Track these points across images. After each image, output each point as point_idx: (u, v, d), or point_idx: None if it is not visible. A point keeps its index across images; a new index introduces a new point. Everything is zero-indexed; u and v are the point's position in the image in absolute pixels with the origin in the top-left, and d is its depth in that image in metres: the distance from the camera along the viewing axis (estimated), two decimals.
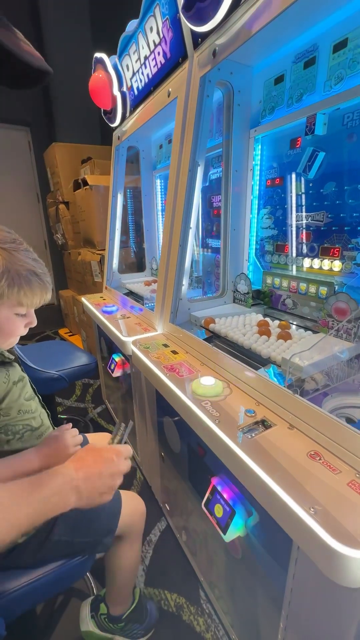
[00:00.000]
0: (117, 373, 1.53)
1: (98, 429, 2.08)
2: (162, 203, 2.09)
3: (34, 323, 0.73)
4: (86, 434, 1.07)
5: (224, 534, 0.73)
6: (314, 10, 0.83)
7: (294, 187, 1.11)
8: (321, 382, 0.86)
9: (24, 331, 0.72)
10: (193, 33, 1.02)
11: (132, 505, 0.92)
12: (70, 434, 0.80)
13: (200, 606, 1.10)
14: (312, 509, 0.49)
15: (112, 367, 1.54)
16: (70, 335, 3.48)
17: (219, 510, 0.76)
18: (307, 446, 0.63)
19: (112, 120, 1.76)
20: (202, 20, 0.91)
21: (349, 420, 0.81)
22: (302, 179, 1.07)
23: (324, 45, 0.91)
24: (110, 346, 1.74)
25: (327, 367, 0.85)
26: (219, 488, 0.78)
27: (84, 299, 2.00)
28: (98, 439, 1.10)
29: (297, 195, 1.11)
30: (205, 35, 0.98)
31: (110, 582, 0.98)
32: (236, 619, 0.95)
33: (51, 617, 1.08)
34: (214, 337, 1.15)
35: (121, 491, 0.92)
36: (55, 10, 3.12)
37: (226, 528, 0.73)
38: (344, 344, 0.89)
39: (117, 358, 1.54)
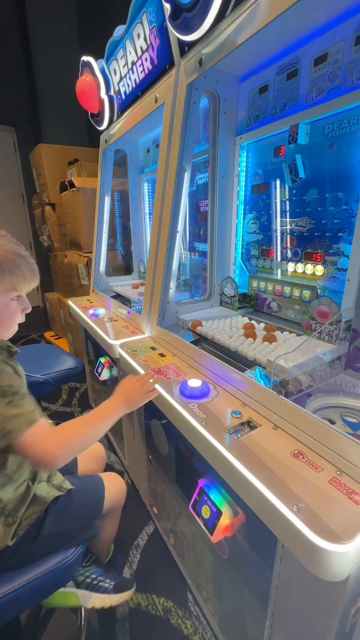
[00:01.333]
0: (104, 376, 1.52)
1: None
2: (149, 206, 2.10)
3: (29, 308, 0.76)
4: None
5: (211, 534, 0.74)
6: (296, 25, 0.86)
7: (279, 193, 1.15)
8: (305, 383, 0.88)
9: (21, 318, 0.75)
10: (180, 41, 1.04)
11: (114, 487, 0.97)
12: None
13: (188, 609, 1.10)
14: (295, 507, 0.51)
15: (99, 370, 1.53)
16: (56, 339, 3.43)
17: (206, 511, 0.77)
18: (291, 446, 0.65)
19: (100, 123, 1.76)
20: (189, 30, 0.93)
21: (332, 421, 0.84)
22: (286, 185, 1.11)
23: (306, 58, 0.95)
24: (97, 349, 1.73)
25: (310, 368, 0.88)
26: (206, 489, 0.79)
27: (70, 302, 1.98)
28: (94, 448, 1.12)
29: (281, 201, 1.14)
30: (191, 44, 1.00)
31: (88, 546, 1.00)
32: (224, 620, 0.95)
33: (37, 625, 1.06)
34: (201, 340, 1.16)
35: (102, 474, 0.99)
36: (41, 12, 3.10)
37: (213, 529, 0.74)
38: (326, 346, 0.91)
39: (103, 361, 1.53)
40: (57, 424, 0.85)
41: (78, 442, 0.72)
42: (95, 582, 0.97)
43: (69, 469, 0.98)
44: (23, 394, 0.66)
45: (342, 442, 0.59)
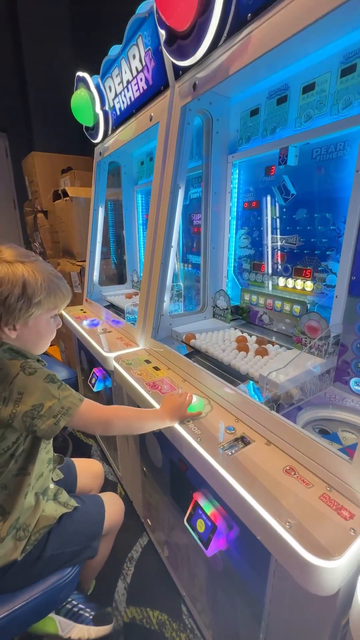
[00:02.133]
0: (98, 388, 1.52)
1: (78, 443, 2.04)
2: (143, 217, 2.13)
3: (61, 324, 0.84)
4: (74, 459, 1.10)
5: (206, 548, 0.75)
6: (286, 55, 0.90)
7: (269, 211, 1.19)
8: (296, 397, 0.91)
9: (55, 333, 0.82)
10: (174, 65, 1.07)
11: (113, 508, 0.98)
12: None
13: (182, 622, 1.11)
14: (287, 523, 0.53)
15: (92, 381, 1.54)
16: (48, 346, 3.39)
17: (201, 525, 0.78)
18: (283, 461, 0.67)
19: (94, 136, 1.78)
20: (184, 56, 0.97)
21: (323, 432, 0.87)
22: (277, 204, 1.15)
23: (295, 86, 1.00)
24: (91, 359, 1.73)
25: (301, 382, 0.91)
26: (201, 503, 0.80)
27: (63, 311, 1.98)
28: (87, 464, 1.13)
29: (272, 218, 1.18)
30: (186, 69, 1.04)
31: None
32: (218, 632, 0.96)
33: None
34: (194, 353, 1.18)
35: (102, 494, 1.00)
36: (34, 18, 3.12)
37: (208, 543, 0.75)
38: (316, 360, 0.95)
39: (98, 372, 1.53)
40: None
41: (124, 423, 0.80)
42: (75, 609, 0.93)
43: (68, 487, 0.98)
44: (64, 383, 0.75)
45: (331, 459, 0.61)
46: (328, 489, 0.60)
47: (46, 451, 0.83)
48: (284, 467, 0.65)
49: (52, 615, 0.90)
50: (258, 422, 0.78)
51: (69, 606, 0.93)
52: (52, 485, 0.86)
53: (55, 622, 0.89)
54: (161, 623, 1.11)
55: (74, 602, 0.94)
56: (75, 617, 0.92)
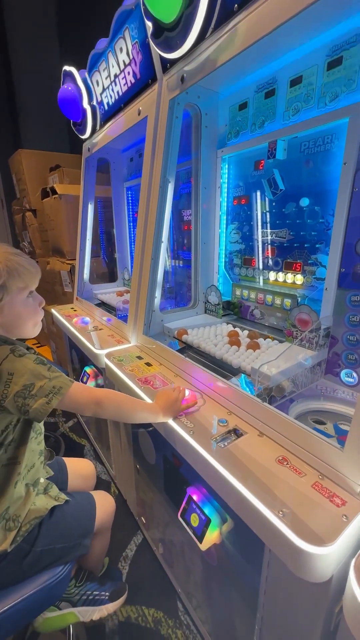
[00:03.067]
0: (90, 385, 1.50)
1: (70, 443, 2.01)
2: (133, 214, 2.11)
3: (44, 301, 0.80)
4: (65, 458, 1.09)
5: (200, 542, 0.75)
6: (273, 47, 0.90)
7: (259, 205, 1.19)
8: (288, 389, 0.92)
9: (41, 312, 0.79)
10: (162, 58, 1.06)
11: (104, 505, 0.97)
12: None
13: (178, 618, 1.10)
14: (281, 513, 0.53)
15: (84, 380, 1.52)
16: (38, 347, 3.35)
17: (195, 520, 0.78)
18: (276, 452, 0.67)
19: (82, 132, 1.76)
20: (171, 49, 0.96)
21: (316, 422, 0.87)
22: (266, 198, 1.15)
23: (282, 79, 1.00)
24: (82, 358, 1.71)
25: (292, 374, 0.91)
26: (194, 497, 0.80)
27: (54, 310, 1.95)
28: (79, 464, 1.11)
29: (261, 213, 1.19)
30: (173, 62, 1.03)
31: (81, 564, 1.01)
32: (214, 627, 0.96)
33: None
34: (187, 348, 1.18)
35: (92, 492, 0.99)
36: (20, 16, 3.07)
37: (202, 537, 0.75)
38: (307, 352, 0.95)
39: (89, 370, 1.52)
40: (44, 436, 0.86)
41: (115, 406, 0.77)
42: (92, 597, 0.97)
43: (59, 486, 0.97)
44: (53, 365, 0.73)
45: (323, 448, 0.62)
46: (320, 477, 0.60)
47: (37, 442, 0.82)
48: (277, 458, 0.65)
49: (70, 609, 0.94)
50: (250, 414, 0.78)
51: (84, 597, 0.96)
52: (42, 480, 0.85)
53: (75, 613, 0.94)
54: (157, 621, 1.10)
55: (89, 592, 0.97)
56: (93, 603, 0.96)
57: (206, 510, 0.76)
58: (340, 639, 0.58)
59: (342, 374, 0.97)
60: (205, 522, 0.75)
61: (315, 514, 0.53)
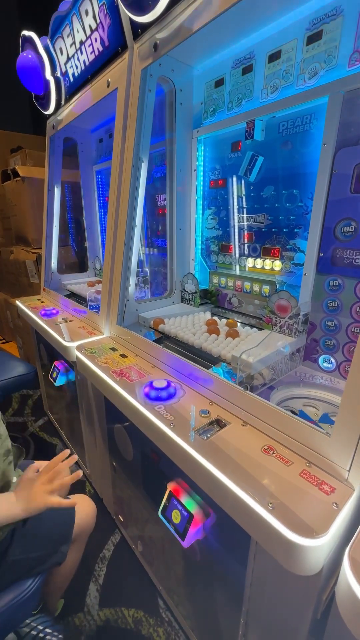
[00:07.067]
0: (60, 382, 1.41)
1: (40, 444, 1.90)
2: (103, 200, 2.00)
3: None
4: (37, 461, 1.00)
5: (183, 539, 0.71)
6: (252, 17, 0.85)
7: (236, 189, 1.15)
8: (268, 377, 0.90)
9: None
10: (133, 23, 0.98)
11: (85, 510, 0.91)
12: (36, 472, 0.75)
13: (159, 616, 1.07)
14: (270, 505, 0.50)
15: (54, 375, 1.42)
16: (3, 343, 3.13)
17: (176, 516, 0.74)
18: (261, 441, 0.64)
19: (45, 106, 1.61)
20: (142, 10, 0.88)
21: (294, 412, 0.86)
22: (243, 181, 1.11)
23: (260, 54, 0.96)
24: (52, 352, 1.60)
25: (273, 362, 0.89)
26: (175, 493, 0.76)
27: (18, 302, 1.81)
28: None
29: (238, 197, 1.15)
30: (145, 27, 0.95)
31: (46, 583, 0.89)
32: (197, 622, 0.94)
33: None
34: (163, 338, 1.13)
35: (72, 496, 0.92)
36: None
37: (184, 533, 0.71)
38: (287, 339, 0.94)
39: (59, 365, 1.42)
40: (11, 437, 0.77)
41: None
42: (41, 635, 0.83)
43: None
44: None
45: (309, 434, 0.60)
46: (307, 465, 0.58)
47: None
48: (262, 447, 0.63)
49: None
50: (233, 403, 0.74)
51: (34, 632, 0.82)
52: (15, 480, 0.77)
53: None
54: (137, 620, 1.06)
55: (40, 627, 0.84)
56: None
57: (188, 506, 0.72)
58: (329, 627, 0.57)
59: (321, 359, 0.97)
60: (188, 519, 0.71)
61: (304, 503, 0.51)
